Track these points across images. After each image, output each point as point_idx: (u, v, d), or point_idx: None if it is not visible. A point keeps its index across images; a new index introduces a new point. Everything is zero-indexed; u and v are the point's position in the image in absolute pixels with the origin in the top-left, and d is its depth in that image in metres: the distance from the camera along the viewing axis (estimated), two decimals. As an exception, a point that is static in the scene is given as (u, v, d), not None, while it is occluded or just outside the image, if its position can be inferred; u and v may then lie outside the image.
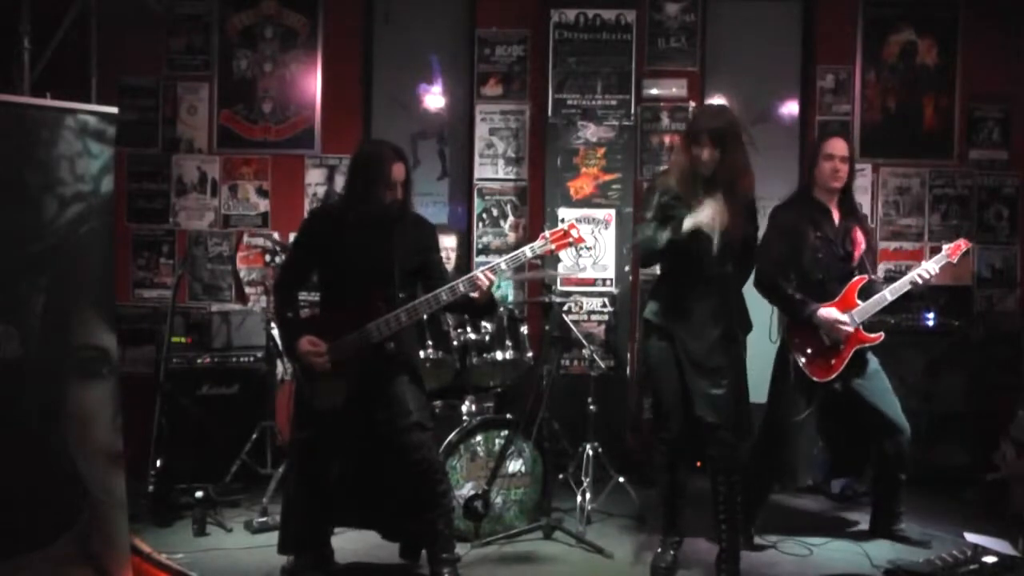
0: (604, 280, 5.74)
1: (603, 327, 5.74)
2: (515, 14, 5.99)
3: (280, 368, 5.32)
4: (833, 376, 4.15)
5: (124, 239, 5.87)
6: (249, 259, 6.01)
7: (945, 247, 4.25)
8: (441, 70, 6.21)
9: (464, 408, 4.54)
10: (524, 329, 4.85)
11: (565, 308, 4.91)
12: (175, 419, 4.90)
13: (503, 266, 3.61)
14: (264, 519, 4.42)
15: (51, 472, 3.22)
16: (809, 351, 4.17)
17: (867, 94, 6.02)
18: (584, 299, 5.72)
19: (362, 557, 4.10)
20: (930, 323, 5.44)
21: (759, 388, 4.27)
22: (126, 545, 3.45)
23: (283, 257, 5.10)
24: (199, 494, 4.48)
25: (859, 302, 4.14)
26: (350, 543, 4.14)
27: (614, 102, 5.80)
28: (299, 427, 3.75)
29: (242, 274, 6.00)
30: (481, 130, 6.01)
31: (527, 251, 3.63)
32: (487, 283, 3.55)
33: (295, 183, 6.02)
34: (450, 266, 4.80)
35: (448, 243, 4.95)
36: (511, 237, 5.99)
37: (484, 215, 6.00)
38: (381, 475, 3.74)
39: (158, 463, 4.67)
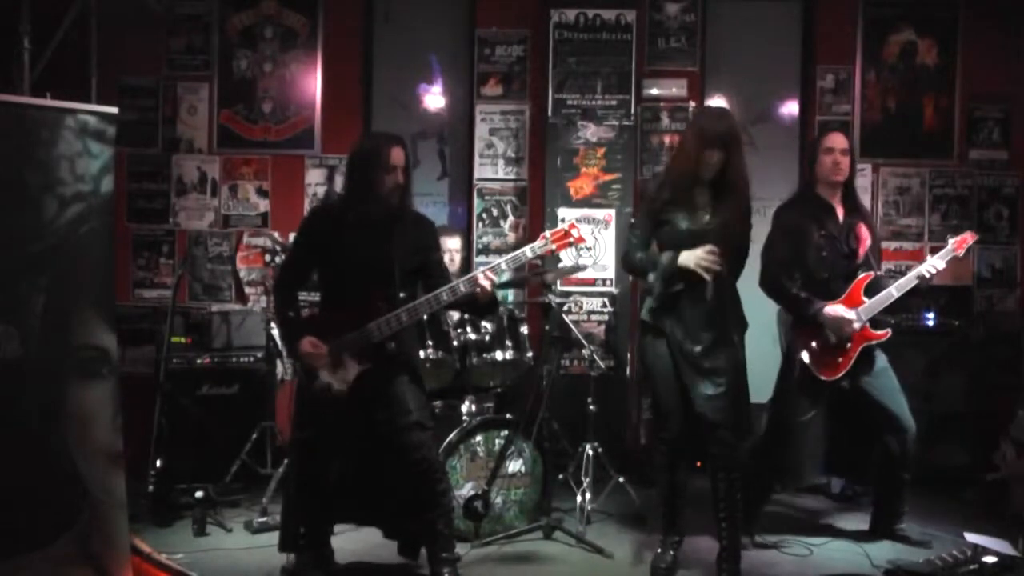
0: (604, 280, 5.75)
1: (603, 327, 5.74)
2: (515, 14, 5.99)
3: (280, 368, 5.31)
4: (840, 374, 4.13)
5: (124, 239, 5.87)
6: (249, 259, 6.01)
7: (951, 241, 4.22)
8: (441, 70, 6.21)
9: (464, 408, 4.54)
10: (524, 329, 4.85)
11: (565, 308, 4.90)
12: (175, 419, 4.90)
13: (503, 266, 3.61)
14: (264, 519, 4.42)
15: (51, 472, 3.22)
16: (816, 350, 4.16)
17: (867, 94, 6.02)
18: (584, 299, 5.72)
19: (362, 557, 4.10)
20: (930, 323, 5.44)
21: (759, 388, 4.27)
22: (126, 545, 3.45)
23: (283, 257, 5.10)
24: (199, 494, 4.47)
25: (865, 299, 4.13)
26: (350, 543, 4.15)
27: (614, 102, 5.80)
28: (300, 426, 3.75)
29: (242, 274, 6.00)
30: (481, 130, 6.01)
31: (527, 251, 3.63)
32: (488, 283, 3.55)
33: (295, 183, 6.02)
34: (454, 267, 4.81)
35: (452, 244, 4.95)
36: (511, 237, 5.99)
37: (484, 215, 6.00)
38: (381, 475, 3.74)
39: (158, 463, 4.67)
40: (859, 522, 4.59)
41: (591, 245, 5.64)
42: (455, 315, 4.66)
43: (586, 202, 5.75)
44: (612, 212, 5.73)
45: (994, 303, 5.95)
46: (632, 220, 3.91)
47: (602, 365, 4.98)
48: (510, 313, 4.81)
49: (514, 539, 4.34)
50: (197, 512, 4.43)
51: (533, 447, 4.43)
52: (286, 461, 4.49)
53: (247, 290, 5.99)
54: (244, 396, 5.31)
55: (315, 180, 6.03)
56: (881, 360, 4.22)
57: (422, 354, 4.34)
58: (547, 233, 3.66)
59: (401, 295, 3.64)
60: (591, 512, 4.54)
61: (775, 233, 4.21)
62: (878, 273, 4.23)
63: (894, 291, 4.13)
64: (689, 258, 3.66)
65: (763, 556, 4.16)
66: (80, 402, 3.28)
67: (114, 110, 3.40)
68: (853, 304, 4.12)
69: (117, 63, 5.73)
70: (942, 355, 5.35)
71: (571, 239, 3.64)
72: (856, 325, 4.09)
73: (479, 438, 4.37)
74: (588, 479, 4.61)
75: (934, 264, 4.13)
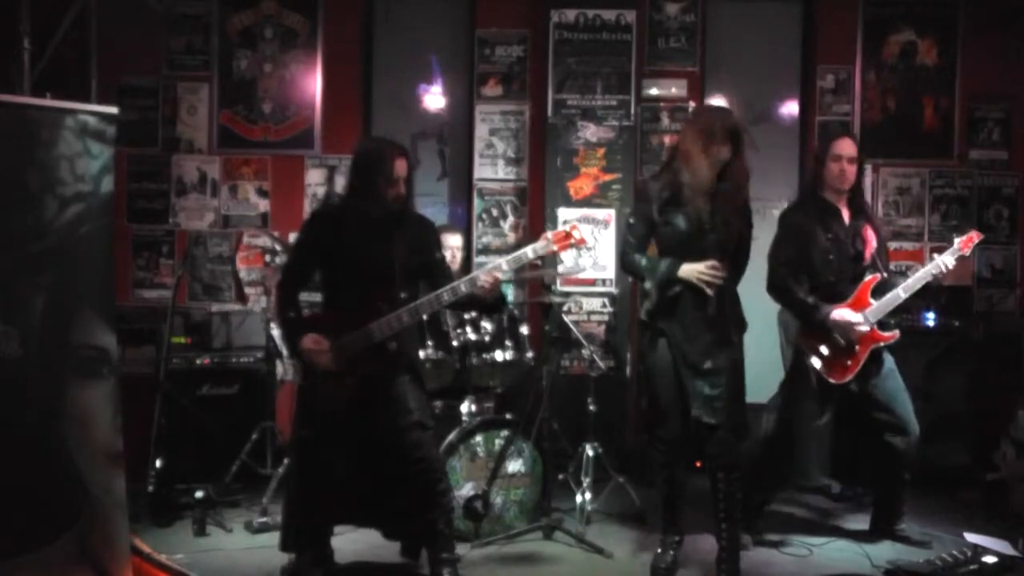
0: (604, 280, 5.75)
1: (603, 327, 5.74)
2: (515, 14, 5.99)
3: (280, 368, 5.31)
4: (850, 377, 4.12)
5: (124, 239, 5.87)
6: (249, 259, 6.01)
7: (957, 240, 4.21)
8: (441, 70, 6.21)
9: (464, 408, 4.54)
10: (524, 329, 4.85)
11: (565, 308, 4.90)
12: (175, 419, 4.90)
13: (504, 267, 3.61)
14: (264, 519, 4.42)
15: (51, 472, 3.22)
16: (825, 353, 4.14)
17: (867, 94, 6.02)
18: (584, 299, 5.72)
19: (362, 557, 4.10)
20: (930, 323, 5.44)
21: (760, 388, 4.27)
22: (126, 545, 3.45)
23: (283, 257, 5.10)
24: (199, 494, 4.47)
25: (872, 301, 4.11)
26: (350, 543, 4.15)
27: (614, 102, 5.80)
28: (301, 426, 3.75)
29: (242, 274, 6.00)
30: (481, 130, 6.01)
31: (528, 252, 3.63)
32: (491, 282, 3.54)
33: (295, 183, 6.02)
34: (454, 266, 4.81)
35: (453, 242, 4.95)
36: (511, 237, 5.99)
37: (484, 215, 6.00)
38: (382, 474, 3.74)
39: (158, 463, 4.67)
40: (859, 522, 4.59)
41: (591, 245, 5.64)
42: (455, 315, 4.66)
43: (586, 202, 5.75)
44: (612, 212, 5.73)
45: (994, 303, 5.95)
46: (630, 220, 3.90)
47: (602, 365, 4.98)
48: (510, 313, 4.81)
49: (514, 539, 4.34)
50: (197, 512, 4.43)
51: (533, 447, 4.43)
52: (286, 461, 4.49)
53: (247, 290, 6.00)
54: (244, 396, 5.31)
55: (315, 180, 6.03)
56: (888, 362, 4.21)
57: (422, 354, 4.34)
58: (549, 234, 3.66)
59: (402, 295, 3.64)
60: (591, 512, 4.54)
61: (781, 236, 4.19)
62: (884, 275, 4.21)
63: (901, 292, 4.11)
64: (690, 272, 3.65)
65: (763, 556, 4.16)
66: (80, 402, 3.28)
67: (114, 110, 3.40)
68: (860, 306, 4.11)
69: (117, 63, 5.72)
70: (942, 355, 5.35)
71: (572, 240, 3.63)
72: (864, 328, 4.08)
73: (479, 438, 4.37)
74: (588, 479, 4.61)
75: (944, 262, 4.11)
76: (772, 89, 6.19)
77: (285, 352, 4.85)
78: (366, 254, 3.64)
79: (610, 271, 5.72)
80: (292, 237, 5.40)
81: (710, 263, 3.65)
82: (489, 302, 3.68)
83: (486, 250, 5.97)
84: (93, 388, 3.31)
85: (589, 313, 5.75)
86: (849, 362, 4.12)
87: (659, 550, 3.95)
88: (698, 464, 3.99)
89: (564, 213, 5.68)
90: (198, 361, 5.33)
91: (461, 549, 3.95)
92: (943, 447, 5.17)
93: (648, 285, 3.79)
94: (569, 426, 5.08)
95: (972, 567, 3.77)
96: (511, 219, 6.00)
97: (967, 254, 4.21)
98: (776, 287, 4.17)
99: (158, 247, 6.02)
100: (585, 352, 4.99)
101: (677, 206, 3.72)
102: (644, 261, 3.81)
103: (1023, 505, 4.60)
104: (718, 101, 6.00)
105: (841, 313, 4.08)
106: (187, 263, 5.82)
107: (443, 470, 3.81)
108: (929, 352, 5.32)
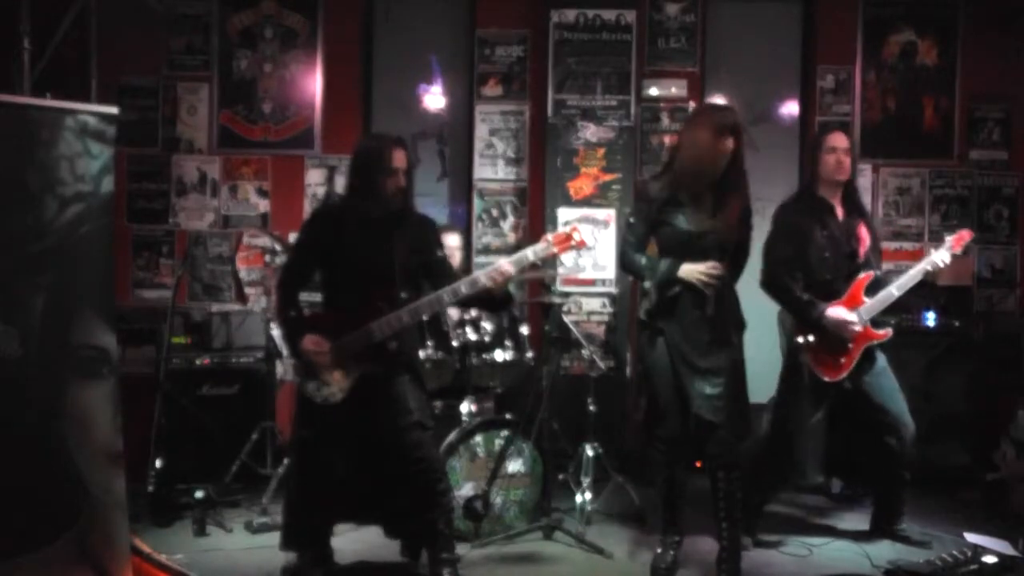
0: (604, 280, 5.75)
1: (603, 327, 5.74)
2: (515, 14, 5.99)
3: (280, 368, 5.31)
4: (843, 375, 4.13)
5: (124, 239, 5.87)
6: (249, 259, 6.01)
7: (948, 239, 4.23)
8: (441, 70, 6.21)
9: (464, 408, 4.54)
10: (524, 329, 4.86)
11: (565, 308, 4.90)
12: (175, 419, 4.90)
13: (507, 268, 3.60)
14: (264, 519, 4.43)
15: (51, 472, 3.22)
16: (818, 351, 4.15)
17: (867, 94, 6.02)
18: (584, 299, 5.72)
19: (362, 557, 4.10)
20: (930, 323, 5.44)
21: (760, 388, 4.27)
22: (126, 545, 3.45)
23: (283, 257, 5.10)
24: (199, 494, 4.47)
25: (866, 299, 4.13)
26: (350, 543, 4.15)
27: (614, 102, 5.80)
28: (301, 425, 3.75)
29: (242, 274, 6.00)
30: (481, 130, 6.01)
31: (529, 254, 3.62)
32: (498, 279, 3.54)
33: (295, 183, 6.02)
34: (454, 263, 4.80)
35: (452, 242, 4.94)
36: (511, 238, 5.99)
37: (484, 216, 6.00)
38: (382, 474, 3.74)
39: (158, 463, 4.67)
40: (859, 522, 4.59)
41: (591, 246, 5.64)
42: (455, 315, 4.67)
43: (586, 202, 5.75)
44: (612, 212, 5.73)
45: (994, 303, 5.95)
46: (630, 220, 3.90)
47: (602, 365, 4.98)
48: (510, 313, 4.81)
49: (514, 539, 4.34)
50: (197, 512, 4.43)
51: (533, 447, 4.43)
52: (286, 461, 4.49)
53: (247, 290, 6.00)
54: (244, 396, 5.31)
55: (315, 180, 6.03)
56: (881, 360, 4.22)
57: (422, 354, 4.34)
58: (549, 236, 3.66)
59: (403, 295, 3.64)
60: (591, 512, 4.54)
61: (776, 232, 4.20)
62: (878, 273, 4.23)
63: (895, 290, 4.13)
64: (690, 272, 3.65)
65: (763, 556, 4.16)
66: (80, 402, 3.28)
67: (114, 110, 3.40)
68: (854, 304, 4.12)
69: (117, 63, 5.73)
70: (942, 355, 5.35)
71: (573, 243, 3.63)
72: (857, 327, 4.09)
73: (479, 438, 4.37)
74: (588, 479, 4.61)
75: (933, 261, 4.13)
76: (772, 89, 6.19)
77: (285, 352, 4.85)
78: (366, 254, 3.64)
79: (610, 271, 5.72)
80: (292, 237, 5.40)
81: (710, 263, 3.65)
82: (499, 298, 3.69)
83: (486, 250, 5.97)
84: (93, 388, 3.31)
85: (589, 313, 5.75)
86: (843, 360, 4.13)
87: (659, 550, 3.94)
88: (698, 464, 3.99)
89: (564, 213, 5.69)
90: (198, 361, 5.33)
91: (461, 549, 3.95)
92: (943, 447, 5.17)
93: (648, 285, 3.79)
94: (569, 426, 5.08)
95: (972, 567, 3.77)
96: (511, 219, 6.00)
97: (959, 253, 4.22)
98: (772, 284, 4.17)
99: (158, 247, 6.02)
100: (585, 352, 4.99)
101: (677, 206, 3.72)
102: (644, 261, 3.81)
103: (1023, 505, 4.61)
104: (718, 101, 6.00)
105: (836, 312, 4.08)
106: (187, 263, 5.81)
107: (443, 470, 3.81)
108: (929, 352, 5.33)
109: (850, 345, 4.11)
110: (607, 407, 5.05)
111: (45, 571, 3.19)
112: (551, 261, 4.00)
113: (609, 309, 5.74)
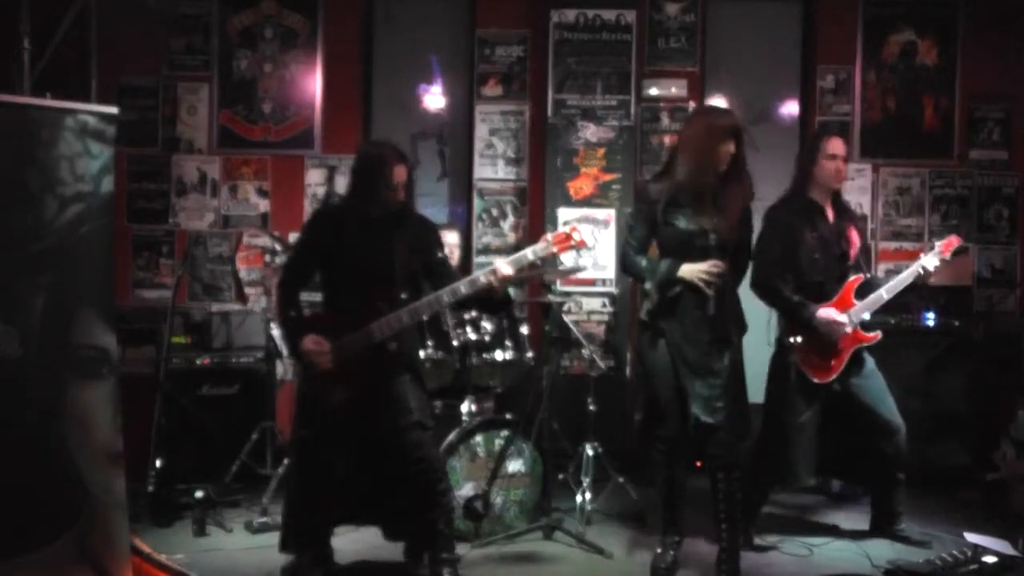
0: (604, 280, 5.74)
1: (603, 327, 5.74)
2: (515, 14, 5.99)
3: (280, 368, 5.31)
4: (832, 377, 4.14)
5: (124, 239, 5.87)
6: (249, 259, 6.01)
7: (937, 244, 4.24)
8: (441, 70, 6.21)
9: (464, 408, 4.54)
10: (524, 329, 4.85)
11: (565, 308, 4.90)
12: (175, 419, 4.91)
13: (507, 268, 3.60)
14: (264, 519, 4.43)
15: (51, 472, 3.22)
16: (808, 352, 4.16)
17: (867, 94, 6.02)
18: (584, 299, 5.72)
19: (362, 556, 4.10)
20: (930, 323, 5.44)
21: (760, 388, 4.27)
22: (126, 545, 3.45)
23: (284, 257, 5.10)
24: (199, 494, 4.47)
25: (856, 302, 4.15)
26: (351, 543, 4.15)
27: (614, 102, 5.80)
28: (301, 425, 3.75)
29: (242, 274, 6.00)
30: (481, 130, 6.01)
31: (528, 254, 3.63)
32: (498, 280, 3.54)
33: (295, 183, 6.02)
34: (452, 262, 4.80)
35: (450, 240, 4.94)
36: (511, 237, 5.99)
37: (484, 215, 6.00)
38: (382, 474, 3.74)
39: (158, 463, 4.67)
40: (859, 522, 4.59)
41: (591, 246, 5.63)
42: (455, 315, 4.66)
43: (586, 202, 5.75)
44: (612, 212, 5.73)
45: (994, 303, 5.94)
46: (631, 222, 3.90)
47: (602, 365, 4.98)
48: (510, 313, 4.81)
49: (514, 539, 4.34)
50: (197, 512, 4.43)
51: (533, 447, 4.43)
52: (286, 461, 4.49)
53: (247, 290, 6.00)
54: (244, 396, 5.31)
55: (315, 180, 6.03)
56: (870, 362, 4.23)
57: (422, 354, 4.34)
58: (549, 236, 3.66)
59: (403, 295, 3.64)
60: (591, 512, 4.54)
61: (767, 233, 4.19)
62: (868, 275, 4.25)
63: (884, 293, 4.15)
64: (691, 272, 3.65)
65: (763, 556, 4.16)
66: (80, 402, 3.28)
67: (114, 110, 3.40)
68: (844, 306, 4.13)
69: (117, 63, 5.73)
70: (942, 355, 5.35)
71: (573, 242, 3.64)
72: (847, 329, 4.10)
73: (479, 438, 4.37)
74: (588, 479, 4.61)
75: (923, 265, 4.14)
76: (772, 89, 6.19)
77: (285, 352, 4.85)
78: (367, 254, 3.64)
79: (610, 271, 5.72)
80: (292, 237, 5.41)
81: (711, 263, 3.64)
82: (498, 299, 3.69)
83: (486, 250, 5.97)
84: (93, 388, 3.31)
85: (589, 313, 5.75)
86: (832, 362, 4.14)
87: (659, 550, 3.94)
88: (698, 464, 3.99)
89: (564, 213, 5.69)
90: (198, 361, 5.33)
91: (461, 549, 3.95)
92: (943, 447, 5.18)
93: (648, 285, 3.79)
94: (569, 426, 5.08)
95: (972, 567, 3.77)
96: (511, 219, 6.00)
97: (948, 258, 4.23)
98: (762, 285, 4.16)
99: (158, 247, 6.02)
100: (585, 352, 4.99)
101: (678, 207, 3.72)
102: (644, 262, 3.81)
103: (1023, 505, 4.60)
104: (718, 101, 6.00)
105: (826, 313, 4.09)
106: (187, 263, 5.81)
107: (443, 470, 3.81)
108: (929, 352, 5.32)
109: (840, 347, 4.12)
110: (607, 407, 5.04)
111: (45, 571, 3.19)
112: (551, 260, 3.99)
113: (609, 309, 5.74)
